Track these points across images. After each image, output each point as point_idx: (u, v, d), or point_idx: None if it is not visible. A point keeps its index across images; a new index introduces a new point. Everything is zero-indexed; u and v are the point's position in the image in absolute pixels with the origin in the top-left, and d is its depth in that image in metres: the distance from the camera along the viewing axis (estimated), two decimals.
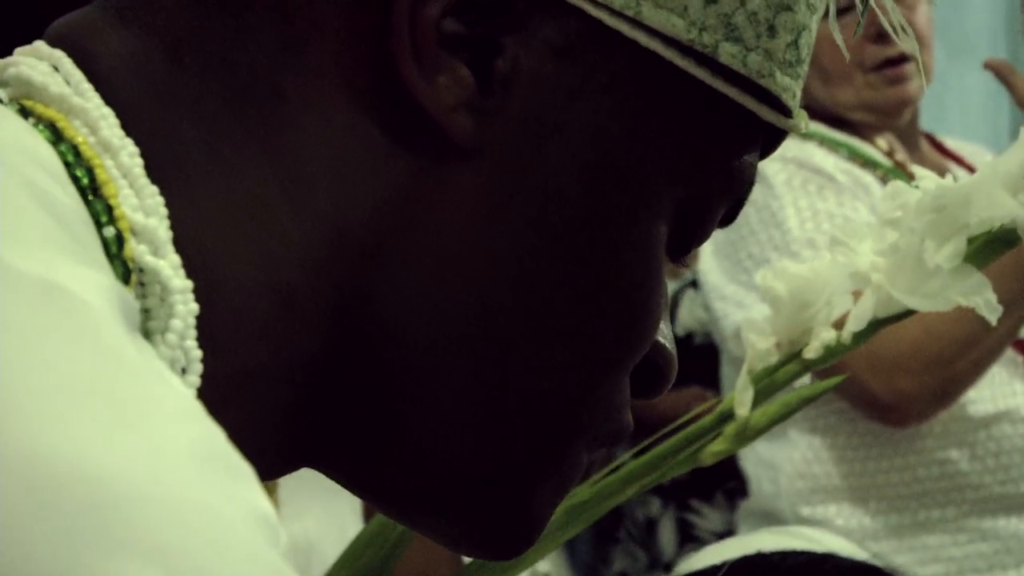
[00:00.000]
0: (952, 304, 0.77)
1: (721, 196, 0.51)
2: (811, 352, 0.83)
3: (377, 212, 0.45)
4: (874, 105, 1.84)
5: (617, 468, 0.89)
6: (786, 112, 0.51)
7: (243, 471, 0.34)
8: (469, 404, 0.48)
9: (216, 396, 0.41)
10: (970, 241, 0.77)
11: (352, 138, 0.45)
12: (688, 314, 2.81)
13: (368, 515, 1.25)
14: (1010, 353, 1.76)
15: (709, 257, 1.86)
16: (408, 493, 0.50)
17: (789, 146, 1.84)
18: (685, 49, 0.47)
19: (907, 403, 1.63)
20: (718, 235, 1.83)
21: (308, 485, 1.17)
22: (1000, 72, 1.71)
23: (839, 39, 0.62)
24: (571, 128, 0.47)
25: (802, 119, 0.52)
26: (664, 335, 0.53)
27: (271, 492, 1.12)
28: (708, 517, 2.60)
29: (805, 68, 0.51)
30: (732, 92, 0.48)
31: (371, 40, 0.45)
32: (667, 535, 2.64)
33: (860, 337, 0.82)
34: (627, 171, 0.48)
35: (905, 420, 1.66)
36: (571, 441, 0.51)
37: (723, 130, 0.50)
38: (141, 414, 0.32)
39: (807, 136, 1.88)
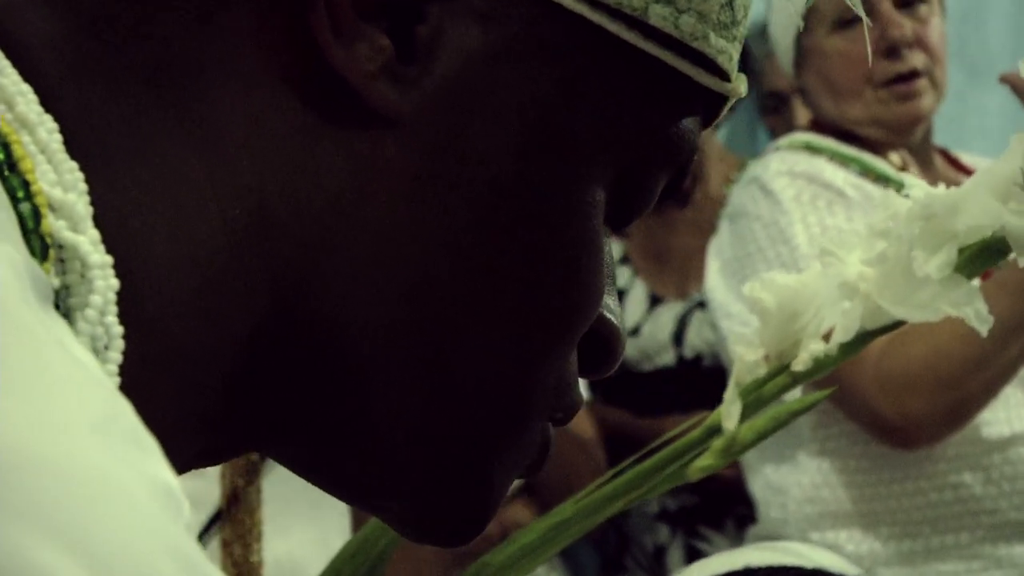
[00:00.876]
0: (941, 315, 0.76)
1: (661, 164, 0.50)
2: (799, 364, 0.83)
3: (302, 189, 0.45)
4: (885, 121, 1.84)
5: (602, 484, 0.88)
6: (724, 76, 0.50)
7: (145, 441, 0.33)
8: (412, 384, 0.47)
9: (141, 374, 0.41)
10: (961, 251, 0.76)
11: (273, 111, 0.44)
12: (696, 336, 2.80)
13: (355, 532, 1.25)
14: None
15: (716, 275, 1.85)
16: (355, 477, 0.49)
17: (798, 160, 1.83)
18: (614, 12, 0.47)
19: (917, 425, 1.62)
20: (725, 252, 1.82)
21: (294, 503, 1.17)
22: (1017, 86, 1.70)
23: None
24: (498, 95, 0.46)
25: (741, 83, 0.52)
26: (611, 309, 0.52)
27: (254, 511, 1.11)
28: (717, 544, 2.58)
29: (742, 30, 0.51)
30: (665, 56, 0.48)
31: (289, 8, 0.44)
32: (676, 563, 2.63)
33: (848, 349, 0.81)
34: (559, 137, 0.47)
35: (916, 442, 1.65)
36: (521, 418, 0.50)
37: (659, 95, 0.49)
38: (39, 382, 0.32)
39: (817, 151, 1.87)
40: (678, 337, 2.81)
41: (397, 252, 0.46)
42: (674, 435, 0.87)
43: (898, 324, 0.80)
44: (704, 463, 0.86)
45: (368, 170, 0.45)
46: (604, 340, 0.52)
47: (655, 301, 2.86)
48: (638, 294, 2.87)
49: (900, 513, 1.72)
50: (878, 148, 1.88)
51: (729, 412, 0.84)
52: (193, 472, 1.13)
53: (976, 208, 0.74)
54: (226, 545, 1.10)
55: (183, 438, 0.44)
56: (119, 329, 0.40)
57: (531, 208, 0.47)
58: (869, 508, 1.73)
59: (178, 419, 0.43)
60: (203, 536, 1.09)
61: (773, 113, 3.24)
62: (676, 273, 2.88)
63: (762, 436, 0.84)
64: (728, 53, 0.50)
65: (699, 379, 2.65)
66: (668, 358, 2.80)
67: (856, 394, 1.65)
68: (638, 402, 2.70)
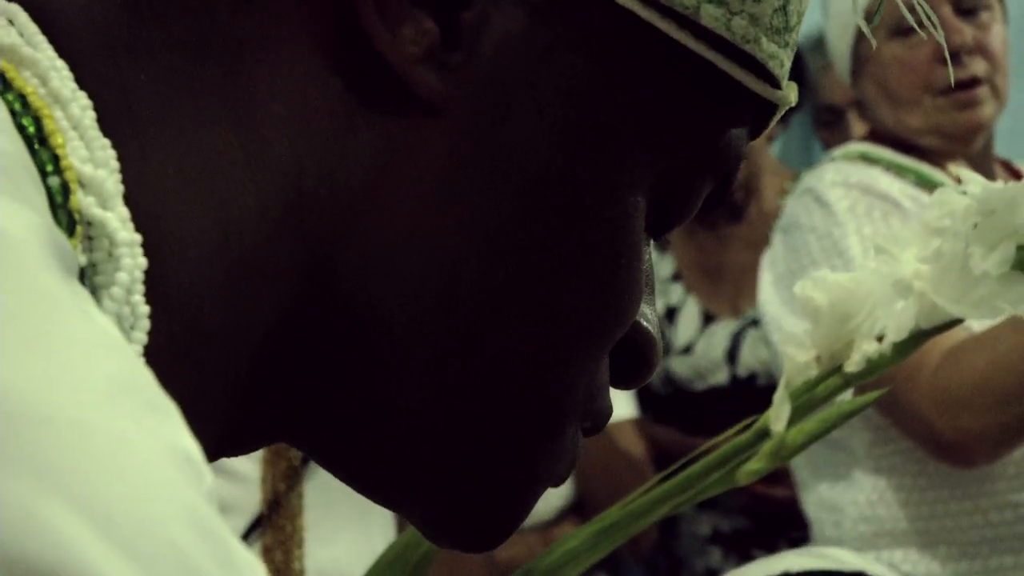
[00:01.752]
0: (999, 313, 0.75)
1: (704, 171, 0.50)
2: (852, 365, 0.82)
3: (339, 171, 0.44)
4: (944, 130, 1.82)
5: (650, 488, 0.88)
6: (774, 83, 0.50)
7: (164, 406, 0.33)
8: (442, 377, 0.47)
9: (166, 355, 0.41)
10: (1019, 248, 0.75)
11: (314, 93, 0.44)
12: (751, 354, 2.78)
13: None
14: None
15: (769, 288, 1.84)
16: (379, 471, 0.49)
17: (853, 171, 1.82)
18: (664, 10, 0.46)
19: (974, 442, 1.60)
20: (778, 265, 1.81)
21: (337, 509, 1.17)
22: None
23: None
24: (543, 88, 0.46)
25: (792, 91, 0.51)
26: (647, 318, 0.52)
27: (296, 516, 1.11)
28: None
29: (794, 36, 0.51)
30: (715, 58, 0.48)
31: None
32: None
33: (903, 349, 0.81)
34: (602, 136, 0.47)
35: (972, 460, 1.63)
36: (552, 422, 0.50)
37: (706, 99, 0.49)
38: (58, 343, 0.32)
39: (873, 161, 1.86)
40: (732, 355, 2.80)
41: (432, 240, 0.46)
42: (723, 439, 0.87)
43: (954, 323, 0.79)
44: (753, 467, 0.85)
45: (407, 155, 0.45)
46: (639, 349, 0.52)
47: (708, 319, 2.85)
48: (691, 311, 2.86)
49: (958, 532, 1.70)
50: (936, 159, 1.87)
51: (778, 414, 0.84)
52: (233, 477, 1.13)
53: None
54: (267, 551, 1.10)
55: (207, 422, 0.43)
56: (145, 309, 0.40)
57: (570, 204, 0.47)
58: (926, 527, 1.71)
59: (202, 402, 0.43)
60: (243, 542, 1.09)
61: (828, 127, 3.23)
62: (730, 290, 2.87)
63: (812, 439, 0.84)
64: (779, 59, 0.50)
65: (753, 398, 2.62)
66: (721, 377, 2.78)
67: (912, 410, 1.63)
68: (690, 421, 2.69)
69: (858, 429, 1.77)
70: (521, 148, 0.46)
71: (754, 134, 0.52)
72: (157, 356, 0.40)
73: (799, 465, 1.89)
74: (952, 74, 1.82)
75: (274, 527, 1.11)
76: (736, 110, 0.50)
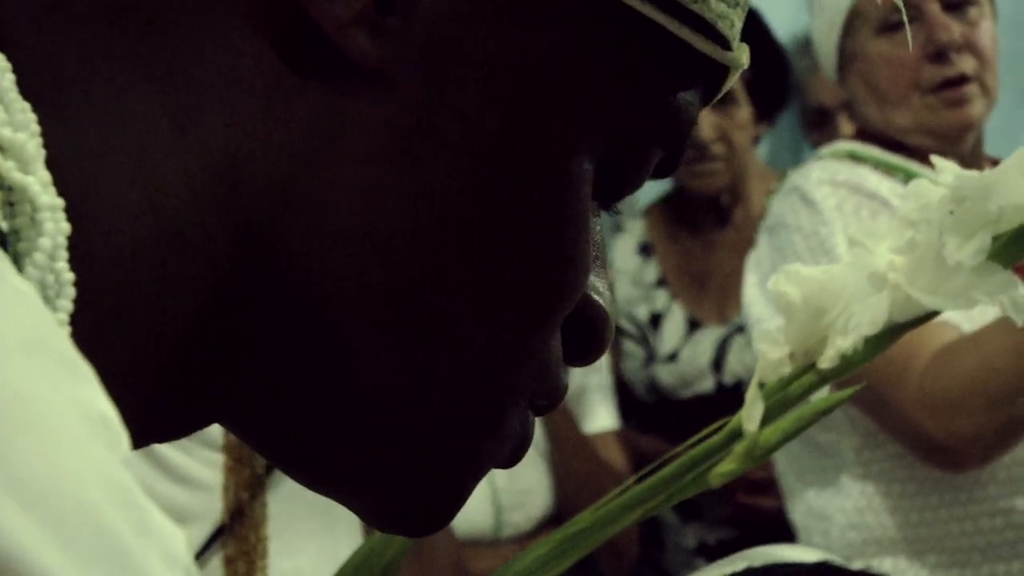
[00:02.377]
0: (975, 304, 0.75)
1: (654, 137, 0.50)
2: (826, 361, 0.81)
3: (272, 140, 0.44)
4: (933, 128, 1.82)
5: (622, 492, 0.87)
6: (724, 44, 0.50)
7: (79, 368, 0.33)
8: (382, 353, 0.46)
9: (95, 326, 0.41)
10: (995, 238, 0.75)
11: (244, 59, 0.44)
12: (737, 361, 2.78)
13: None
14: None
15: (754, 289, 1.84)
16: (317, 453, 0.49)
17: (841, 169, 1.82)
18: None
19: (966, 445, 1.60)
20: (764, 265, 1.81)
21: (302, 519, 1.16)
22: None
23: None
24: (483, 53, 0.46)
25: (743, 53, 0.51)
26: (599, 291, 0.51)
27: (259, 526, 1.11)
28: None
29: None
30: (661, 18, 0.47)
31: None
32: None
33: (877, 343, 0.80)
34: (546, 100, 0.47)
35: (964, 464, 1.63)
36: (500, 399, 0.49)
37: (653, 61, 0.48)
38: None
39: (861, 159, 1.86)
40: (718, 363, 2.79)
41: (371, 211, 0.45)
42: (696, 440, 0.86)
43: (929, 316, 0.79)
44: (726, 468, 0.84)
45: (344, 124, 0.45)
46: (591, 323, 0.51)
47: (694, 326, 2.85)
48: (676, 318, 2.86)
49: (949, 539, 1.69)
50: (926, 157, 1.87)
51: (751, 413, 0.83)
52: (193, 485, 1.12)
53: (1009, 189, 0.73)
54: (229, 562, 1.10)
55: (139, 398, 0.43)
56: (70, 276, 0.39)
57: (514, 172, 0.46)
58: (916, 534, 1.71)
59: (134, 377, 0.43)
60: (205, 553, 1.09)
61: (818, 129, 3.24)
62: (716, 296, 2.87)
63: (787, 438, 0.83)
64: (729, 19, 0.50)
65: (739, 406, 2.63)
66: (707, 384, 2.78)
67: (901, 414, 1.63)
68: (675, 430, 2.68)
69: (846, 434, 1.76)
70: (462, 115, 0.45)
71: (706, 99, 0.51)
72: (84, 326, 0.39)
73: (785, 472, 1.88)
74: (940, 71, 1.82)
75: (237, 537, 1.10)
76: (685, 73, 0.49)
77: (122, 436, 0.33)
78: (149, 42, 0.44)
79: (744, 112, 2.83)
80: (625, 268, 2.97)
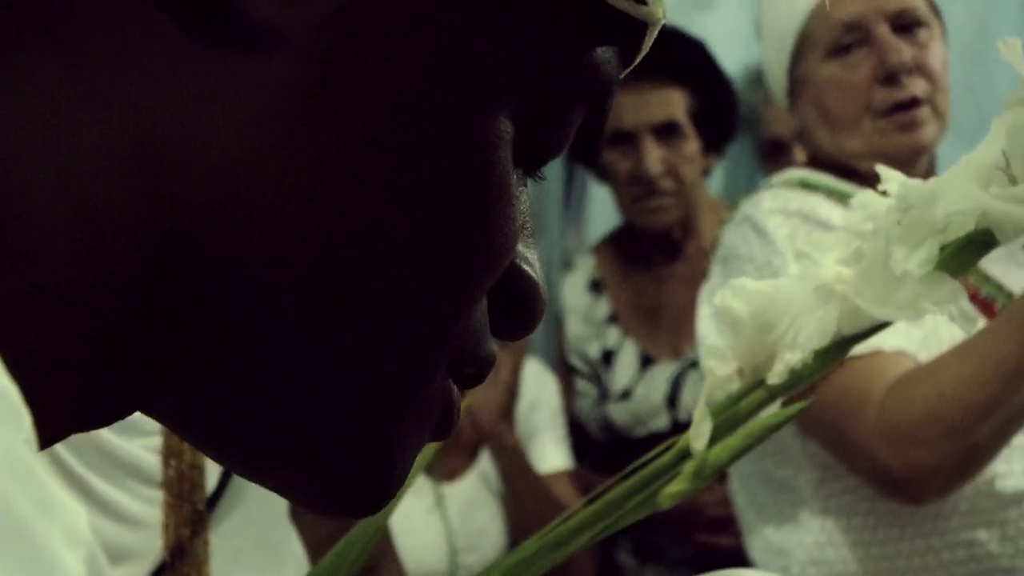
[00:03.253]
0: (923, 314, 0.76)
1: (572, 95, 0.50)
2: (775, 377, 0.82)
3: (184, 115, 0.44)
4: (885, 152, 1.84)
5: (569, 517, 0.88)
6: None
7: None
8: (304, 331, 0.47)
9: (15, 313, 0.41)
10: (942, 248, 0.76)
11: (149, 34, 0.44)
12: (692, 397, 2.80)
13: None
14: None
15: (707, 321, 1.85)
16: (243, 436, 0.49)
17: (792, 198, 1.84)
18: None
19: (925, 477, 1.61)
20: (716, 295, 1.82)
21: (245, 557, 1.16)
22: None
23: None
24: (395, 13, 0.46)
25: (658, 7, 0.52)
26: (529, 262, 0.52)
27: (201, 565, 1.10)
28: None
29: None
30: None
31: None
32: None
33: (826, 356, 0.81)
34: (461, 59, 0.47)
35: (924, 496, 1.64)
36: (423, 369, 0.50)
37: (568, 17, 0.49)
38: None
39: (812, 187, 1.88)
40: (672, 399, 2.81)
41: (286, 180, 0.45)
42: (643, 462, 0.87)
43: (878, 328, 0.80)
44: (676, 488, 0.85)
45: (252, 91, 0.45)
46: (521, 295, 0.52)
47: (647, 362, 2.86)
48: (628, 355, 2.87)
49: (911, 573, 1.70)
50: (878, 184, 1.88)
51: (699, 432, 0.84)
52: (131, 522, 1.12)
53: (956, 195, 0.74)
54: None
55: (64, 386, 0.43)
56: None
57: (429, 132, 0.47)
58: (877, 568, 1.72)
59: (58, 366, 0.43)
60: None
61: (774, 160, 3.27)
62: (669, 331, 2.89)
63: (736, 455, 0.84)
64: None
65: None
66: (662, 422, 2.79)
67: (858, 446, 1.64)
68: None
69: (804, 468, 1.77)
70: (372, 76, 0.46)
71: (627, 59, 0.52)
72: (4, 313, 0.40)
73: (744, 509, 1.89)
74: (892, 94, 1.84)
75: None
76: (599, 28, 0.50)
77: (23, 414, 0.33)
78: (52, 21, 0.44)
79: (692, 145, 2.85)
80: (576, 305, 2.98)
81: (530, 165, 0.52)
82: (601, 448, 2.87)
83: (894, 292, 0.77)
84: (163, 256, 0.45)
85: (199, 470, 1.10)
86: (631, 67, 0.53)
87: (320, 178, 0.46)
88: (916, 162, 1.86)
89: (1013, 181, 0.74)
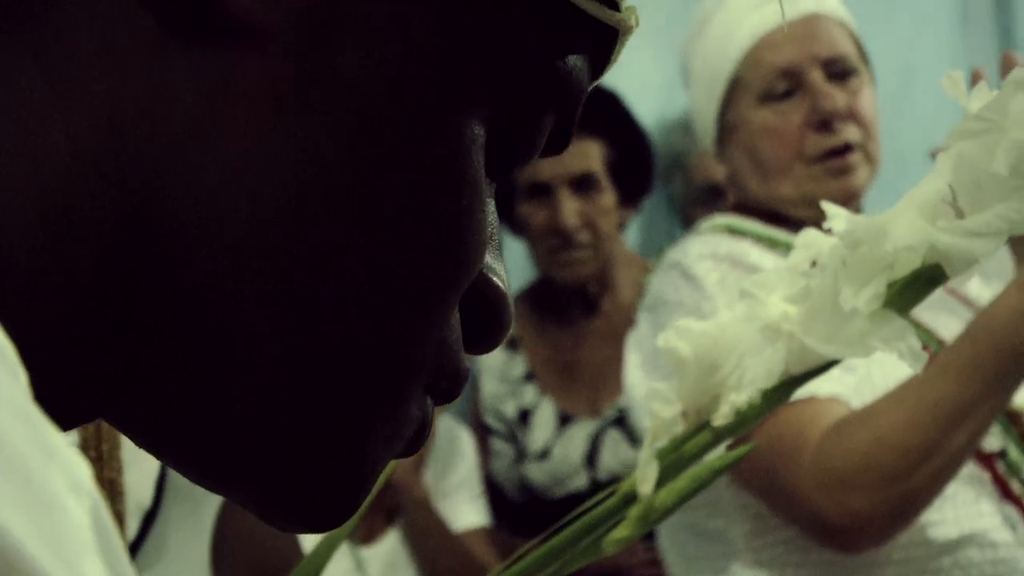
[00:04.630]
0: (872, 351, 0.78)
1: (544, 102, 0.52)
2: (720, 419, 0.84)
3: (156, 107, 0.45)
4: (818, 198, 1.86)
5: (509, 566, 0.89)
6: (611, 4, 0.52)
7: None
8: (271, 335, 0.48)
9: None
10: (890, 285, 0.78)
11: (123, 26, 0.45)
12: (612, 456, 2.81)
13: None
14: (974, 469, 1.77)
15: (636, 370, 1.86)
16: (208, 447, 0.49)
17: (721, 243, 1.87)
18: None
19: (862, 524, 1.63)
20: (645, 345, 1.84)
21: None
22: None
23: None
24: (370, 16, 0.47)
25: (631, 15, 0.53)
26: (496, 272, 0.53)
27: None
28: None
29: None
30: None
31: None
32: None
33: (773, 397, 0.82)
34: (435, 64, 0.48)
35: (860, 544, 1.66)
36: (396, 383, 0.50)
37: (541, 24, 0.51)
38: None
39: (740, 233, 1.91)
40: (591, 458, 2.82)
41: (257, 181, 0.46)
42: (587, 507, 0.88)
43: (826, 367, 0.81)
44: (620, 534, 0.86)
45: (227, 91, 0.46)
46: (489, 305, 0.53)
47: (565, 420, 2.87)
48: (546, 414, 2.88)
49: None
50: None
51: (645, 475, 0.85)
52: None
53: (904, 230, 0.76)
54: None
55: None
56: None
57: (405, 139, 0.48)
58: None
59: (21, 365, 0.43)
60: None
61: (710, 205, 3.30)
62: (587, 389, 2.90)
63: (683, 499, 0.85)
64: None
65: None
66: (580, 482, 2.81)
67: (793, 494, 1.66)
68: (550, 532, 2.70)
69: (735, 520, 1.79)
70: (350, 82, 0.47)
71: (598, 66, 0.54)
72: None
73: (674, 563, 1.91)
74: (825, 141, 1.88)
75: None
76: (571, 35, 0.52)
77: (20, 369, 0.34)
78: (26, 13, 0.45)
79: (608, 198, 2.88)
80: (491, 364, 2.99)
81: (498, 174, 0.53)
82: (518, 509, 2.87)
83: (842, 330, 0.79)
84: (127, 253, 0.45)
85: (118, 518, 1.09)
86: (600, 77, 0.54)
87: (287, 179, 0.47)
88: (848, 207, 1.88)
89: (960, 214, 0.76)
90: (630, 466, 2.76)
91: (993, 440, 1.82)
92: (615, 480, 2.68)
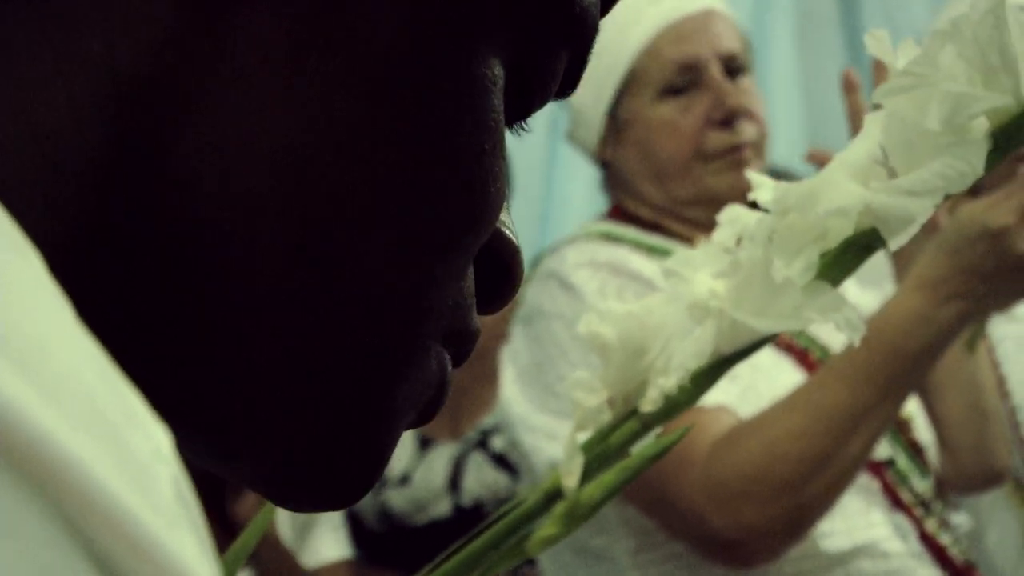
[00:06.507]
0: (808, 323, 0.78)
1: (560, 40, 0.52)
2: (648, 404, 0.83)
3: (158, 61, 0.45)
4: (719, 194, 1.89)
5: (434, 567, 0.87)
6: None
7: (29, 250, 0.33)
8: (285, 297, 0.47)
9: None
10: (822, 256, 0.78)
11: None
12: (475, 480, 2.81)
13: None
14: (864, 478, 1.80)
15: (512, 385, 1.86)
16: (217, 418, 0.48)
17: (599, 251, 1.87)
18: None
19: (754, 537, 1.63)
20: (521, 358, 1.84)
21: None
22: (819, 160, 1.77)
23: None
24: None
25: None
26: (507, 225, 0.53)
27: None
28: None
29: None
30: None
31: None
32: None
33: (703, 379, 0.82)
34: (451, 5, 0.48)
35: (753, 558, 1.67)
36: (418, 334, 0.50)
37: None
38: None
39: (617, 239, 1.92)
40: (454, 483, 2.81)
41: (261, 130, 0.46)
42: (509, 508, 0.86)
43: (760, 344, 0.81)
44: (546, 532, 0.85)
45: (230, 37, 0.45)
46: (501, 259, 0.53)
47: (425, 444, 2.86)
48: (405, 437, 2.87)
49: None
50: (687, 235, 1.94)
51: (569, 468, 0.84)
52: None
53: (835, 193, 0.76)
54: None
55: None
56: None
57: (423, 82, 0.47)
58: None
59: None
60: None
61: None
62: (447, 411, 2.89)
63: (612, 493, 0.84)
64: None
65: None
66: (443, 508, 2.80)
67: (682, 506, 1.66)
68: (410, 561, 2.68)
69: (620, 536, 1.79)
70: (362, 25, 0.47)
71: (605, 5, 0.54)
72: None
73: None
74: (727, 138, 1.91)
75: None
76: None
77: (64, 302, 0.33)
78: None
79: None
80: None
81: (515, 115, 0.52)
82: (378, 539, 2.86)
83: (775, 303, 0.78)
84: (126, 207, 0.45)
85: None
86: (607, 14, 0.55)
87: (298, 129, 0.46)
88: (742, 202, 1.90)
89: (893, 175, 0.76)
90: (494, 490, 2.77)
91: (882, 449, 1.84)
92: (479, 506, 2.69)
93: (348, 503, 0.51)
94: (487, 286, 0.53)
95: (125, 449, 0.30)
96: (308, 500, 0.51)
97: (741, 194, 1.88)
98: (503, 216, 0.53)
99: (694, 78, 1.94)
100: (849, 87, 1.71)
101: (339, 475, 0.51)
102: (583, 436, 0.85)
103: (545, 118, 3.40)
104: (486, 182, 0.49)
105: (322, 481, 0.51)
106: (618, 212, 2.00)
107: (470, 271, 0.52)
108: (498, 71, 0.50)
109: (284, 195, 0.46)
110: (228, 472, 0.51)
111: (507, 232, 0.53)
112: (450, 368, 0.53)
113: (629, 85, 1.96)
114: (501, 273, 0.53)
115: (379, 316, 0.48)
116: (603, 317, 0.87)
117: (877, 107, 0.77)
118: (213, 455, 0.50)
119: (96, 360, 0.32)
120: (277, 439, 0.49)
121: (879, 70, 1.54)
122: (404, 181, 0.48)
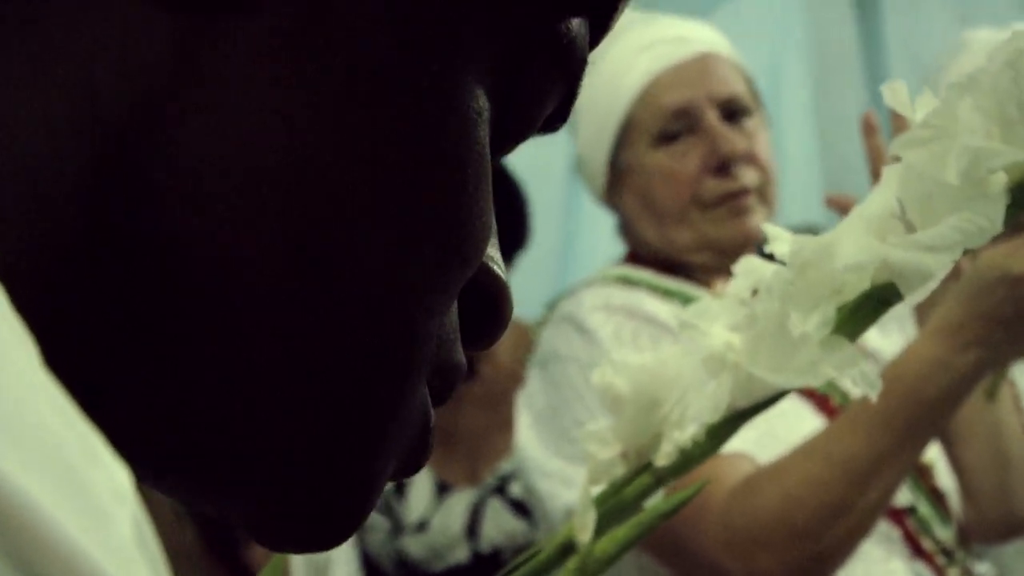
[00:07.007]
0: (825, 379, 0.78)
1: (548, 71, 0.51)
2: (662, 459, 0.83)
3: (138, 73, 0.44)
4: (714, 243, 1.89)
5: None
6: None
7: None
8: (267, 317, 0.46)
9: None
10: (838, 310, 0.78)
11: None
12: (494, 527, 2.80)
13: None
14: (884, 526, 1.79)
15: (527, 430, 1.85)
16: (199, 448, 0.47)
17: (614, 294, 1.87)
18: None
19: None
20: (537, 402, 1.84)
21: None
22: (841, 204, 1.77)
23: None
24: None
25: None
26: (494, 260, 0.52)
27: None
28: None
29: None
30: None
31: None
32: None
33: (719, 433, 0.82)
34: (437, 24, 0.48)
35: None
36: (402, 374, 0.49)
37: None
38: None
39: (633, 283, 1.91)
40: (472, 530, 2.80)
41: (253, 154, 0.45)
42: (523, 559, 0.86)
43: (776, 399, 0.81)
44: None
45: (218, 53, 0.45)
46: (488, 295, 0.52)
47: (443, 489, 2.85)
48: (423, 483, 2.86)
49: None
50: (703, 278, 1.94)
51: (583, 522, 0.84)
52: None
53: (852, 248, 0.75)
54: None
55: None
56: None
57: (408, 105, 0.47)
58: None
59: None
60: None
61: None
62: (465, 456, 2.89)
63: (625, 547, 0.84)
64: None
65: None
66: (461, 554, 2.79)
67: (699, 555, 1.66)
68: None
69: None
70: (347, 44, 0.46)
71: (596, 35, 0.53)
72: None
73: None
74: (723, 185, 1.90)
75: None
76: None
77: (30, 345, 0.33)
78: None
79: None
80: None
81: (501, 144, 0.52)
82: None
83: (791, 358, 0.78)
84: (107, 232, 0.44)
85: None
86: (596, 46, 0.54)
87: (287, 146, 0.45)
88: (745, 251, 1.90)
89: (911, 229, 0.76)
90: (512, 536, 2.76)
91: (903, 496, 1.83)
92: (497, 552, 2.67)
93: (330, 546, 0.51)
94: (474, 322, 0.52)
95: (81, 489, 0.30)
96: (290, 542, 0.51)
97: (743, 242, 1.89)
98: (490, 251, 0.52)
99: (689, 124, 1.94)
100: (869, 130, 1.71)
101: (323, 517, 0.50)
102: (596, 489, 0.85)
103: (567, 159, 3.41)
104: (471, 214, 0.49)
105: (306, 523, 0.50)
106: (634, 256, 2.00)
107: (454, 306, 0.51)
108: (483, 103, 0.49)
109: (267, 216, 0.45)
110: (210, 510, 0.50)
111: (494, 267, 0.53)
112: (432, 412, 0.52)
113: (626, 133, 1.96)
114: (489, 309, 0.53)
115: (367, 349, 0.48)
116: (617, 369, 0.86)
117: (895, 158, 0.77)
118: (193, 494, 0.49)
119: (55, 400, 0.32)
120: (261, 478, 0.48)
121: (898, 117, 1.54)
122: (391, 206, 0.47)
